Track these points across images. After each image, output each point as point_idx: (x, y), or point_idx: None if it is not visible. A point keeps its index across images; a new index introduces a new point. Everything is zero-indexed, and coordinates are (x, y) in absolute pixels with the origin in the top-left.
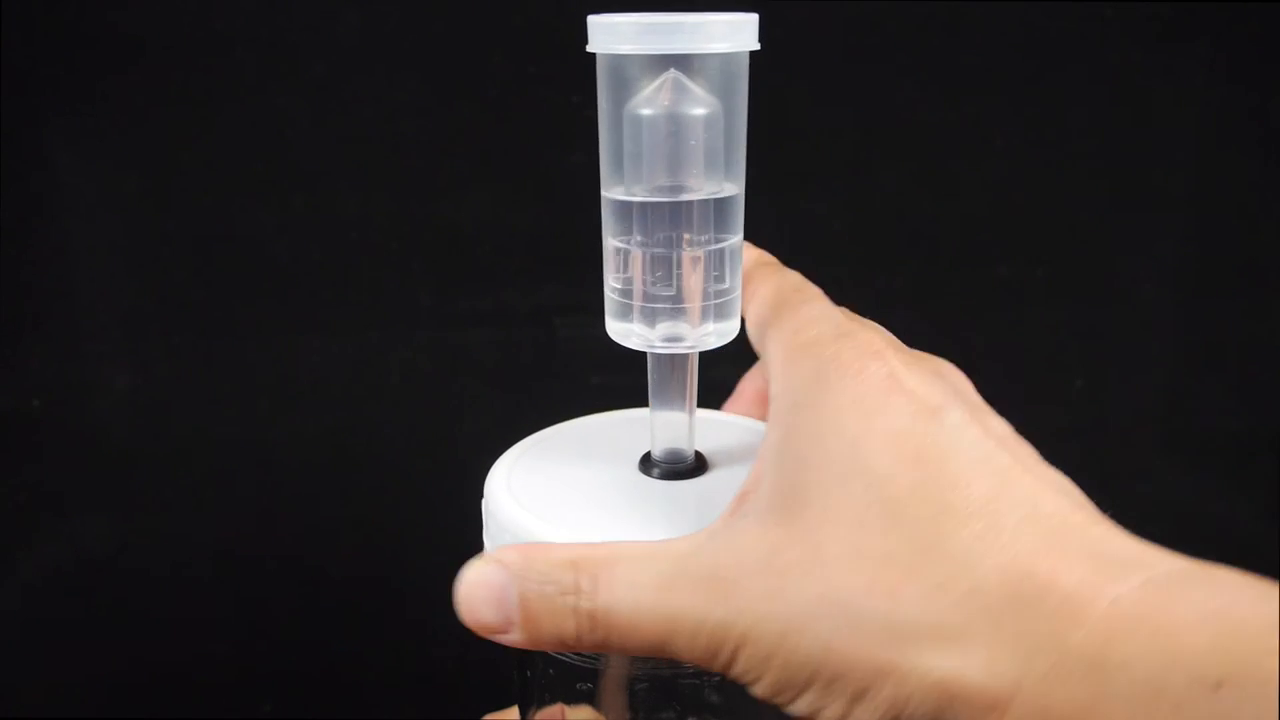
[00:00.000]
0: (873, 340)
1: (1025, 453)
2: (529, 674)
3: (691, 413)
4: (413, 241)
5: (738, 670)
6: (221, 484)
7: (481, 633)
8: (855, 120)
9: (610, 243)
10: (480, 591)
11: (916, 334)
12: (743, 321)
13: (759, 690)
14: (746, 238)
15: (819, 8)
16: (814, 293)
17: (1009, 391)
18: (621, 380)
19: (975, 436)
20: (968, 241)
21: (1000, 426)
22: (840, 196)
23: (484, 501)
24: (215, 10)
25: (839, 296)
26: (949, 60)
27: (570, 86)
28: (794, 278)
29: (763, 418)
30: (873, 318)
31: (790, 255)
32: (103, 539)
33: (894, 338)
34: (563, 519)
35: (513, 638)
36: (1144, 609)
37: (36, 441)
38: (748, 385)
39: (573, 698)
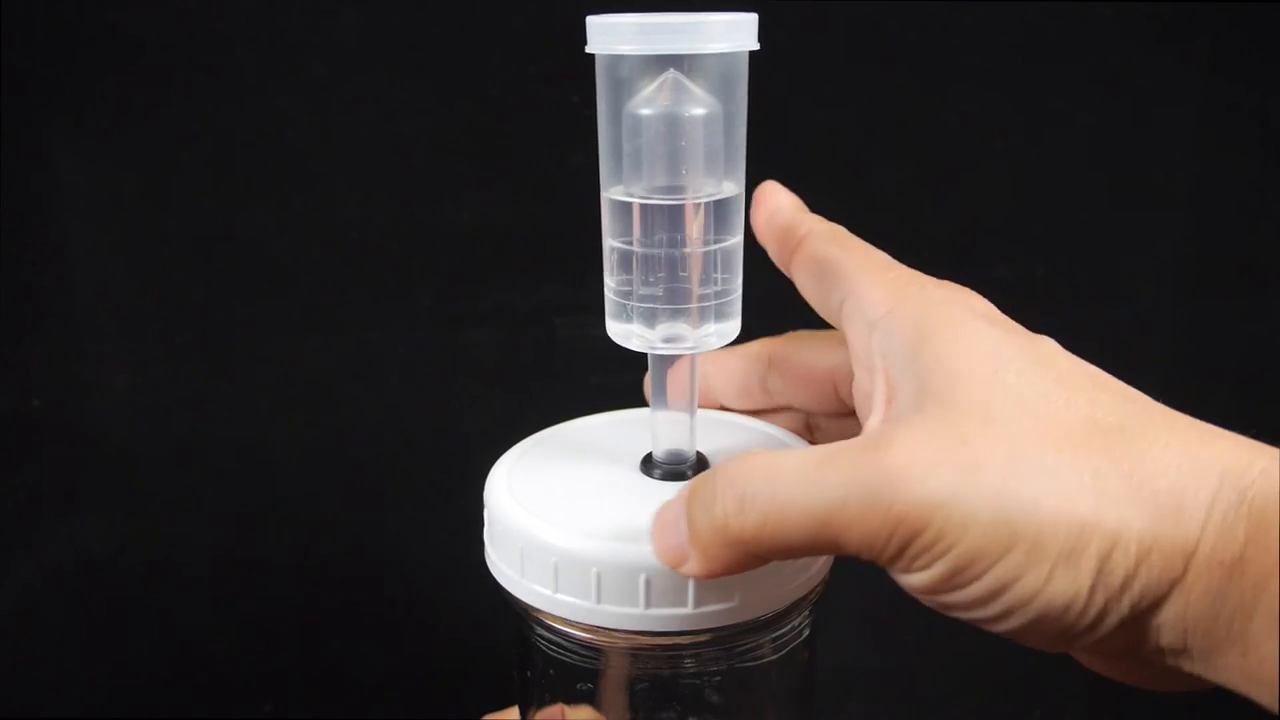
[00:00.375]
0: (951, 284)
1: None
2: (529, 674)
3: (693, 413)
4: (413, 241)
5: (919, 546)
6: (221, 484)
7: (672, 567)
8: (855, 120)
9: (610, 243)
10: (663, 521)
11: None
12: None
13: (939, 568)
14: (747, 237)
15: (819, 8)
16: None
17: None
18: (621, 380)
19: (1060, 355)
20: (968, 241)
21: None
22: (840, 196)
23: (485, 503)
24: (215, 10)
25: None
26: (949, 60)
27: (570, 86)
28: (844, 230)
29: (742, 406)
30: None
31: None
32: (103, 539)
33: None
34: (565, 520)
35: (691, 564)
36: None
37: (36, 441)
38: (726, 368)
39: (573, 698)
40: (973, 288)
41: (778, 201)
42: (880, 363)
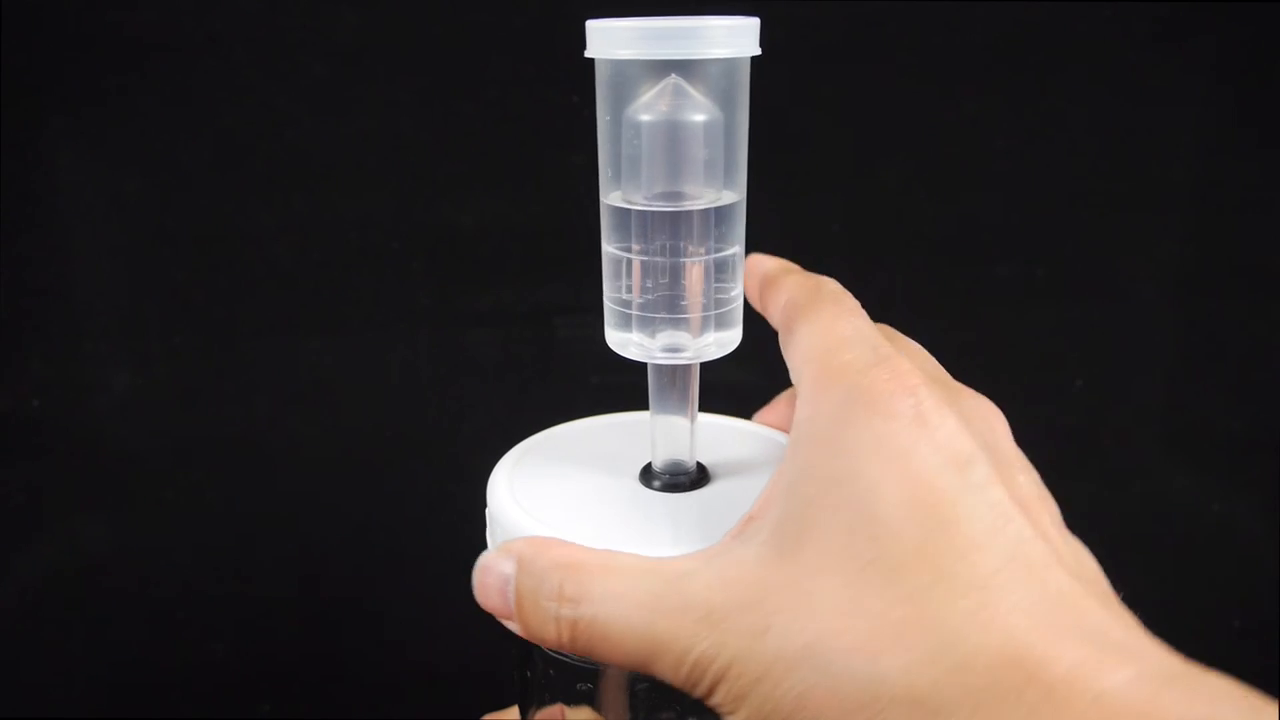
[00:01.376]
0: (909, 373)
1: (1048, 519)
2: (529, 674)
3: (693, 423)
4: (413, 241)
5: (715, 701)
6: (221, 484)
7: (494, 615)
8: (855, 120)
9: (609, 250)
10: (488, 578)
11: (917, 334)
12: (769, 332)
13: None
14: (747, 237)
15: (819, 8)
16: (851, 305)
17: (1009, 391)
18: (621, 380)
19: (996, 499)
20: (968, 241)
21: (1028, 483)
22: (840, 196)
23: (487, 506)
24: (215, 10)
25: None
26: (949, 60)
27: (570, 87)
28: (831, 286)
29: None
30: (873, 317)
31: (790, 255)
32: (103, 539)
33: (933, 364)
34: (563, 522)
35: (514, 626)
36: (1128, 707)
37: (36, 441)
38: (784, 399)
39: (573, 698)
40: (973, 288)
41: (764, 267)
42: (780, 471)
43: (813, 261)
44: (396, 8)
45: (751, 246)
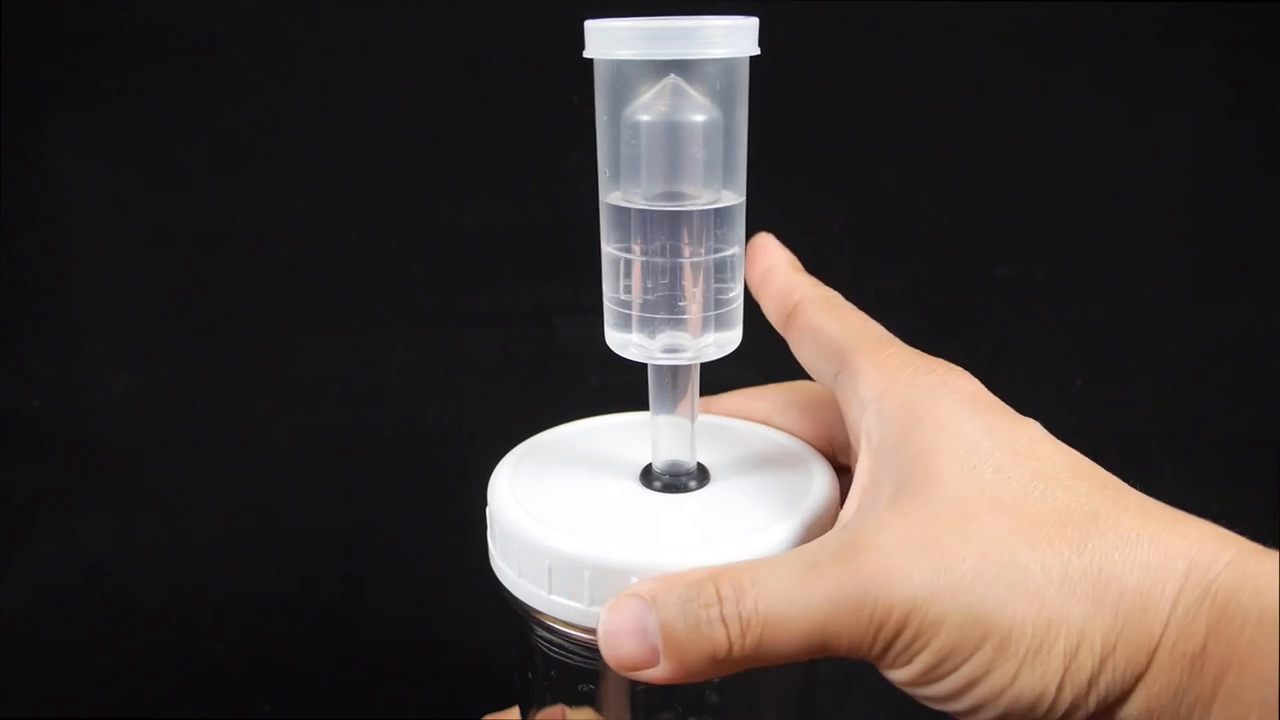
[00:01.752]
0: (956, 366)
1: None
2: (530, 674)
3: (693, 424)
4: (413, 241)
5: (900, 644)
6: (221, 484)
7: (626, 672)
8: (855, 120)
9: (609, 250)
10: (621, 626)
11: (916, 334)
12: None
13: (919, 664)
14: (747, 237)
15: (819, 8)
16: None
17: (1009, 391)
18: (621, 380)
19: (1048, 443)
20: (968, 241)
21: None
22: (840, 196)
23: (488, 503)
24: (215, 10)
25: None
26: (949, 60)
27: (570, 87)
28: (840, 296)
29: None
30: (873, 317)
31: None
32: (103, 539)
33: None
34: (563, 523)
35: (659, 671)
36: (1253, 564)
37: (36, 441)
38: (740, 394)
39: (574, 699)
40: (973, 288)
41: (773, 259)
42: (866, 446)
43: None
44: (396, 8)
45: None
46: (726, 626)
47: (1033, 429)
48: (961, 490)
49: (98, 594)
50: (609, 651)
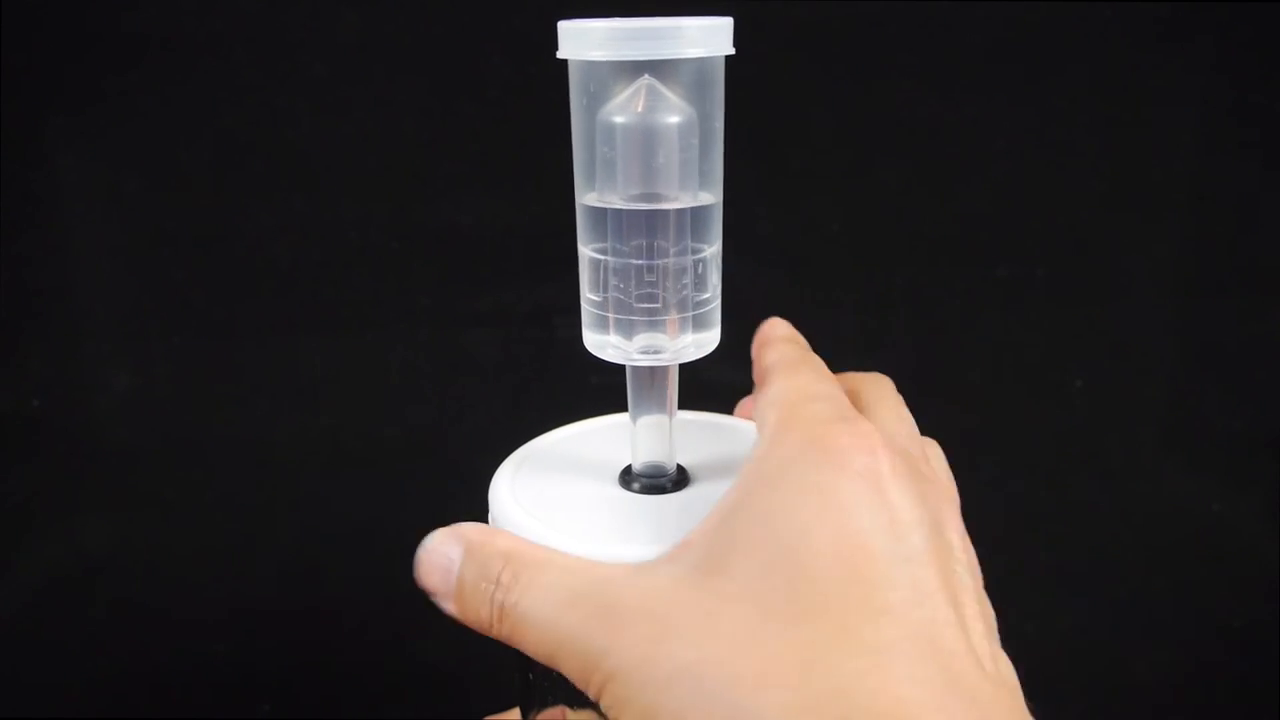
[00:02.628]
0: (871, 434)
1: (980, 620)
2: (531, 675)
3: (672, 425)
4: (413, 241)
5: (604, 704)
6: (221, 484)
7: (430, 595)
8: (855, 120)
9: (585, 252)
10: (433, 557)
11: (916, 334)
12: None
13: None
14: (748, 238)
15: (819, 8)
16: (830, 375)
17: (1009, 391)
18: (621, 380)
19: (922, 576)
20: (968, 241)
21: (967, 578)
22: (840, 196)
23: (489, 504)
24: (215, 10)
25: (839, 297)
26: (949, 60)
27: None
28: (818, 359)
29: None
30: (873, 318)
31: (791, 255)
32: (103, 539)
33: (906, 433)
34: (563, 523)
35: (449, 607)
36: None
37: (36, 441)
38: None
39: (575, 699)
40: (973, 288)
41: (776, 331)
42: (720, 503)
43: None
44: (396, 8)
45: (752, 246)
46: (490, 608)
47: (907, 543)
48: (738, 589)
49: (97, 594)
50: (417, 569)
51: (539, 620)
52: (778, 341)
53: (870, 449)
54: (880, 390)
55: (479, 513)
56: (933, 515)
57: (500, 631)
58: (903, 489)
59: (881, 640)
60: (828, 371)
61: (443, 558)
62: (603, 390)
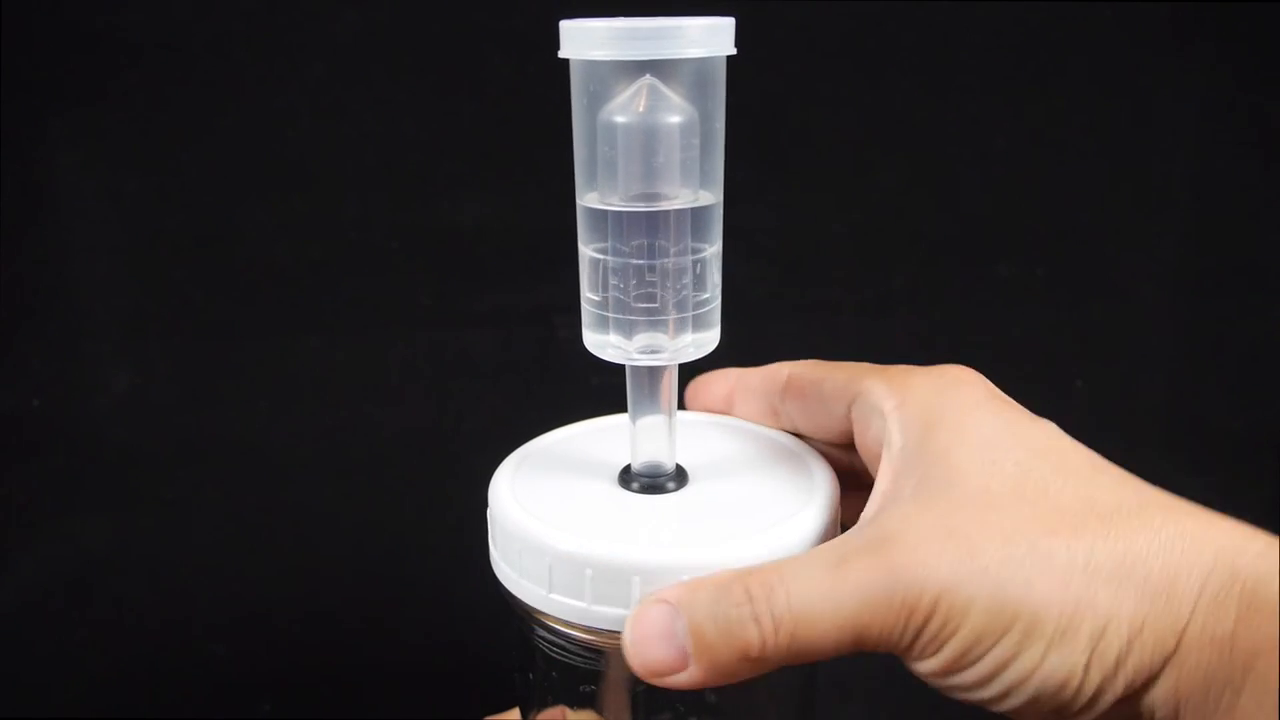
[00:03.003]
0: (967, 369)
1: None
2: (531, 676)
3: (671, 425)
4: (413, 241)
5: (929, 632)
6: (221, 484)
7: (653, 678)
8: (855, 120)
9: (585, 252)
10: (647, 630)
11: (917, 334)
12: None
13: (948, 651)
14: (748, 238)
15: (819, 8)
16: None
17: (1009, 391)
18: (621, 381)
19: (1079, 444)
20: (968, 241)
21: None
22: (840, 196)
23: (489, 504)
24: (215, 10)
25: (839, 296)
26: (949, 60)
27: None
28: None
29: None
30: (873, 318)
31: (791, 255)
32: (103, 539)
33: None
34: (563, 523)
35: (688, 675)
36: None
37: (36, 441)
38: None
39: (575, 700)
40: (973, 288)
41: (726, 377)
42: (887, 453)
43: (813, 261)
44: (396, 8)
45: (752, 246)
46: (759, 624)
47: (1049, 427)
48: (984, 483)
49: (98, 594)
50: (638, 659)
51: (825, 599)
52: (755, 369)
53: (973, 374)
54: (845, 362)
55: (479, 512)
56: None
57: (780, 645)
58: (1003, 395)
59: (1098, 479)
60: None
61: (657, 625)
62: (603, 390)
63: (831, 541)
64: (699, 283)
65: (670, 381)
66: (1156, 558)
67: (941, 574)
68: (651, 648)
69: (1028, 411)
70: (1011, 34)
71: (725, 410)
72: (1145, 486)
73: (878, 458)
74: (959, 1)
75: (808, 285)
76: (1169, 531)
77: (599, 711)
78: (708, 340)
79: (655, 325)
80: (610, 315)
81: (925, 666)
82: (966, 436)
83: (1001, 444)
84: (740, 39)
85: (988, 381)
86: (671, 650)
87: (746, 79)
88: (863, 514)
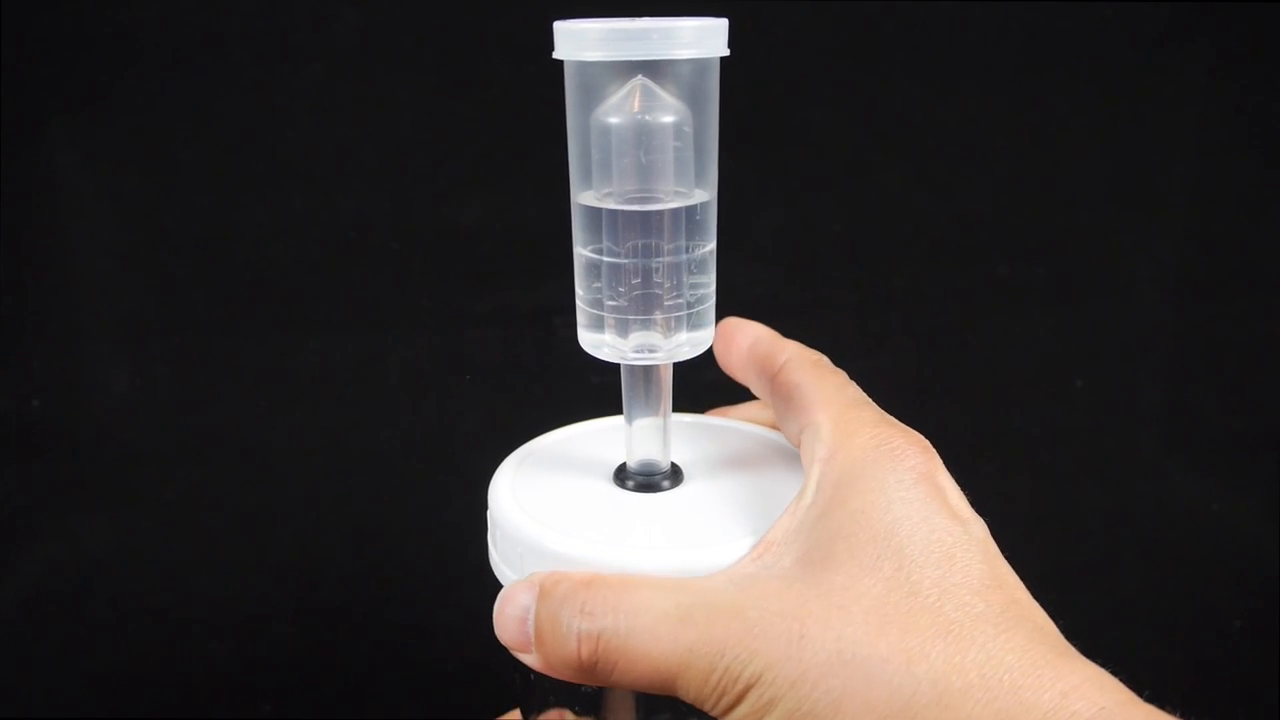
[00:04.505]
0: (914, 435)
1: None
2: (531, 677)
3: (666, 424)
4: (413, 241)
5: (741, 712)
6: (221, 484)
7: (510, 649)
8: (855, 120)
9: (580, 252)
10: (507, 608)
11: (917, 334)
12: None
13: None
14: (747, 238)
15: (819, 8)
16: (851, 383)
17: (1009, 392)
18: (620, 381)
19: (994, 554)
20: (968, 241)
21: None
22: (840, 196)
23: (489, 505)
24: (215, 10)
25: (839, 297)
26: (949, 60)
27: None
28: (819, 357)
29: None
30: (873, 318)
31: (791, 255)
32: (103, 539)
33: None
34: (563, 524)
35: (530, 659)
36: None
37: (36, 441)
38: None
39: (575, 700)
40: (973, 288)
41: (754, 332)
42: (795, 504)
43: (813, 261)
44: (396, 8)
45: (752, 246)
46: (579, 643)
47: (971, 531)
48: (851, 581)
49: (98, 594)
50: (496, 628)
51: (648, 642)
52: (774, 342)
53: (920, 449)
54: (835, 377)
55: (479, 513)
56: (957, 487)
57: (595, 669)
58: (954, 487)
59: (990, 611)
60: (838, 370)
61: (516, 607)
62: (603, 390)
63: (692, 583)
64: (693, 282)
65: (665, 380)
66: (993, 698)
67: (763, 665)
68: (507, 625)
69: (957, 505)
70: (1011, 34)
71: (737, 362)
72: (1020, 619)
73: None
74: (959, 1)
75: (808, 285)
76: (1014, 673)
77: (599, 712)
78: (703, 339)
79: (650, 325)
80: (605, 315)
81: None
82: (869, 521)
83: (893, 541)
84: (742, 38)
85: (935, 462)
86: (520, 633)
87: (747, 79)
88: (744, 557)
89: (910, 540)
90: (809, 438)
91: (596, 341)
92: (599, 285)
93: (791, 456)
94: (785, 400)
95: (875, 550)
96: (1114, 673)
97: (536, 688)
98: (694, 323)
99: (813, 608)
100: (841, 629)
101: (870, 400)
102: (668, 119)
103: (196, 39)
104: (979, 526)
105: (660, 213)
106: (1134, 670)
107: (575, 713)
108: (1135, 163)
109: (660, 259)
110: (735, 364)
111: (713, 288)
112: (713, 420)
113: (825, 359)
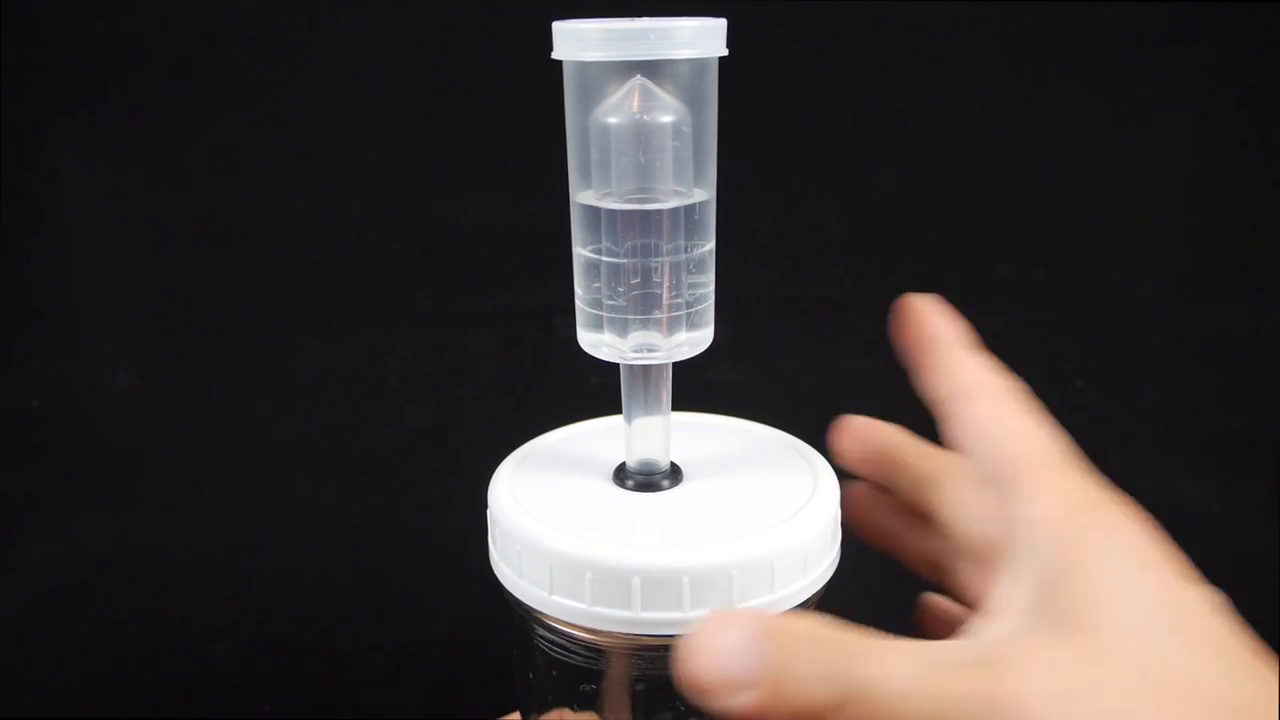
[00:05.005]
0: (1120, 505)
1: None
2: (531, 676)
3: (666, 423)
4: (413, 241)
5: None
6: (221, 484)
7: (703, 685)
8: (855, 120)
9: (580, 251)
10: (712, 641)
11: None
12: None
13: None
14: (747, 238)
15: (819, 8)
16: (1047, 422)
17: None
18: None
19: (1226, 624)
20: (968, 241)
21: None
22: (840, 196)
23: (489, 505)
24: (215, 10)
25: (839, 297)
26: (949, 60)
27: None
28: (1014, 386)
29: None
30: (873, 318)
31: (791, 255)
32: (103, 539)
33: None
34: (563, 524)
35: (745, 697)
36: None
37: (36, 441)
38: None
39: (576, 699)
40: (973, 288)
41: (942, 330)
42: (1012, 566)
43: (813, 261)
44: (396, 8)
45: (752, 246)
46: (830, 684)
47: (1201, 601)
48: (1121, 643)
49: (97, 594)
50: (689, 658)
51: (909, 690)
52: (966, 347)
53: (1133, 518)
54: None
55: (479, 513)
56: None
57: (840, 709)
58: (1161, 547)
59: (1256, 671)
60: (1030, 402)
61: (728, 644)
62: (603, 390)
63: (935, 644)
64: (693, 282)
65: (665, 380)
66: None
67: (1038, 704)
68: (713, 659)
69: (1183, 571)
70: (1011, 34)
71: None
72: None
73: (991, 553)
74: (959, 1)
75: (808, 285)
76: None
77: (599, 711)
78: (702, 338)
79: (649, 324)
80: (604, 314)
81: None
82: (1111, 587)
83: (1148, 606)
84: (741, 37)
85: (1147, 530)
86: (734, 674)
87: (747, 78)
88: (968, 623)
89: (1157, 607)
90: (1006, 491)
91: (596, 341)
92: (598, 285)
93: (792, 456)
94: (974, 435)
95: (1133, 613)
96: None
97: (536, 688)
98: (693, 322)
99: (1087, 668)
100: (1108, 687)
101: (1069, 453)
102: (666, 119)
103: (197, 39)
104: (1209, 593)
105: (659, 212)
106: None
107: (574, 710)
108: (1135, 163)
109: (659, 258)
110: (909, 349)
111: (712, 287)
112: (713, 420)
113: (1022, 393)
